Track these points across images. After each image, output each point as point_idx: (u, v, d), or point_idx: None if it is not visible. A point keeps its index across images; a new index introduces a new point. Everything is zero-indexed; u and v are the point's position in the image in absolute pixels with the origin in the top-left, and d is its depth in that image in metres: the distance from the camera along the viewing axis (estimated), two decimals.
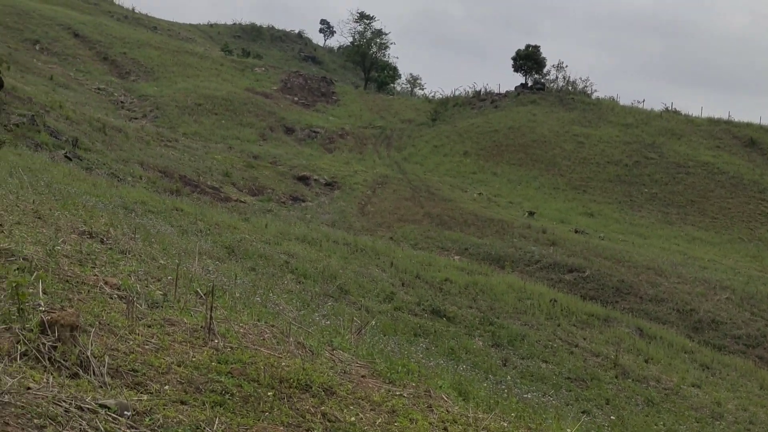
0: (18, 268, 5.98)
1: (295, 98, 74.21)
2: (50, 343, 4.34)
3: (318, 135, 63.77)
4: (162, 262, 11.65)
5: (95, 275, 7.03)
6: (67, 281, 6.39)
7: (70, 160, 29.66)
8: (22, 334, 4.32)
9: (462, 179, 55.40)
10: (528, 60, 76.71)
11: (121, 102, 60.42)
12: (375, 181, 50.16)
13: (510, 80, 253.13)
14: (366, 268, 25.66)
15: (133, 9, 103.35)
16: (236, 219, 29.09)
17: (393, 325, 18.75)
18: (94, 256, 8.52)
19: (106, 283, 6.73)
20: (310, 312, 14.77)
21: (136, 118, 56.12)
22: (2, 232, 7.44)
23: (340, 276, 22.46)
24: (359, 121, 70.66)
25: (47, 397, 3.82)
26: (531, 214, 45.63)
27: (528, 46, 77.76)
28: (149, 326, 5.82)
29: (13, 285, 4.44)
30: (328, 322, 11.64)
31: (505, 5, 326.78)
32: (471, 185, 53.72)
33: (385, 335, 15.42)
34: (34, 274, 5.88)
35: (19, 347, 4.21)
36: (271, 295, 14.53)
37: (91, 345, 4.61)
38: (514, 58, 77.69)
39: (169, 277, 8.42)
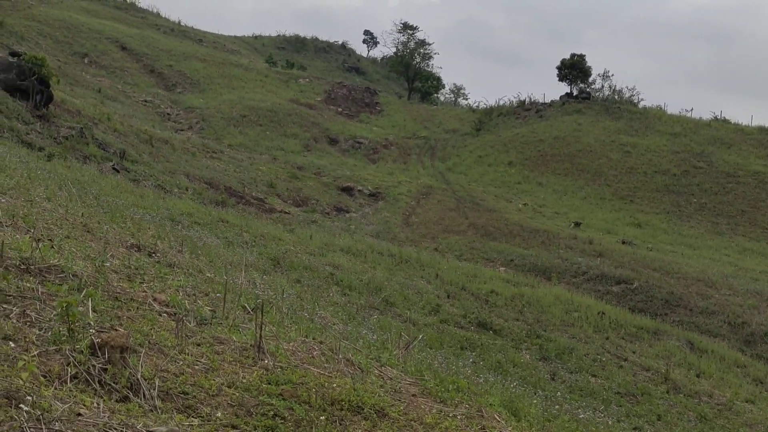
0: (69, 288, 5.94)
1: (339, 109, 74.43)
2: (100, 366, 4.27)
3: (362, 145, 63.83)
4: (209, 275, 11.63)
5: (144, 291, 6.98)
6: (116, 298, 6.34)
7: (118, 172, 29.99)
8: (72, 356, 4.25)
9: (507, 189, 54.99)
10: (573, 69, 76.00)
11: (168, 114, 61.10)
12: (419, 191, 50.02)
13: (555, 90, 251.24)
14: (411, 280, 25.52)
15: (179, 22, 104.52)
16: (281, 230, 29.16)
17: (439, 338, 18.57)
18: (143, 271, 8.49)
19: (154, 299, 6.68)
20: (356, 325, 14.66)
21: (182, 130, 56.67)
22: (53, 247, 7.44)
23: (386, 288, 22.35)
24: (403, 131, 70.62)
25: (98, 424, 3.73)
26: (577, 224, 45.08)
27: (573, 56, 77.06)
28: (198, 345, 5.74)
29: (64, 305, 4.38)
30: (375, 337, 11.51)
31: (548, 15, 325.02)
32: (516, 195, 53.31)
33: (431, 349, 15.26)
34: (84, 291, 5.84)
35: (69, 369, 4.15)
36: (317, 308, 14.47)
37: (141, 367, 4.53)
38: (559, 68, 77.06)
39: (217, 294, 8.36)
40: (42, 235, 8.08)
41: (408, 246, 35.25)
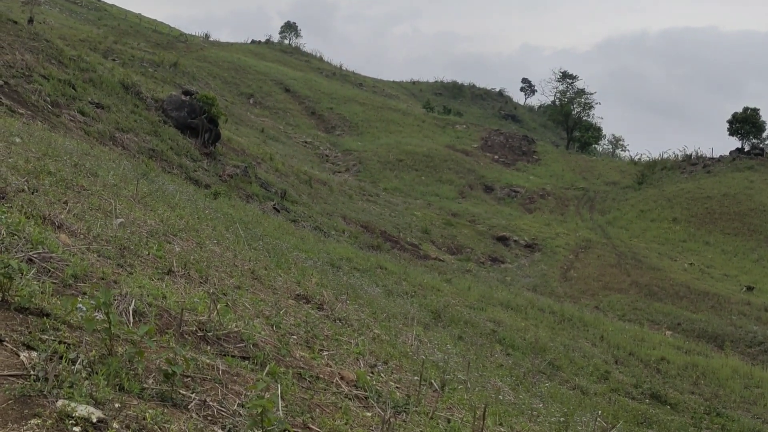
0: (252, 364, 5.12)
1: (495, 156, 73.32)
2: None
3: (518, 194, 62.41)
4: (376, 331, 10.91)
5: (328, 366, 6.13)
6: (300, 374, 5.50)
7: (279, 211, 30.02)
8: None
9: (671, 247, 52.04)
10: (745, 123, 71.95)
11: (326, 155, 61.90)
12: (577, 244, 48.06)
13: (723, 144, 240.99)
14: (575, 341, 24.01)
15: (341, 66, 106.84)
16: (438, 280, 28.28)
17: (612, 410, 17.03)
18: (318, 331, 7.75)
19: (341, 377, 5.82)
20: (526, 392, 13.58)
21: (339, 172, 57.17)
22: (227, 304, 6.72)
23: (550, 349, 21.02)
24: (561, 181, 68.65)
25: None
26: (750, 288, 41.90)
27: (746, 109, 73.06)
28: None
29: (259, 409, 3.51)
30: (561, 420, 10.30)
31: (705, 66, 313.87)
32: (681, 254, 50.32)
33: (604, 422, 13.87)
34: (267, 367, 5.04)
35: None
36: (484, 370, 13.53)
37: None
38: (729, 122, 73.18)
39: (395, 361, 7.43)
40: (215, 287, 7.44)
41: (567, 302, 33.64)
